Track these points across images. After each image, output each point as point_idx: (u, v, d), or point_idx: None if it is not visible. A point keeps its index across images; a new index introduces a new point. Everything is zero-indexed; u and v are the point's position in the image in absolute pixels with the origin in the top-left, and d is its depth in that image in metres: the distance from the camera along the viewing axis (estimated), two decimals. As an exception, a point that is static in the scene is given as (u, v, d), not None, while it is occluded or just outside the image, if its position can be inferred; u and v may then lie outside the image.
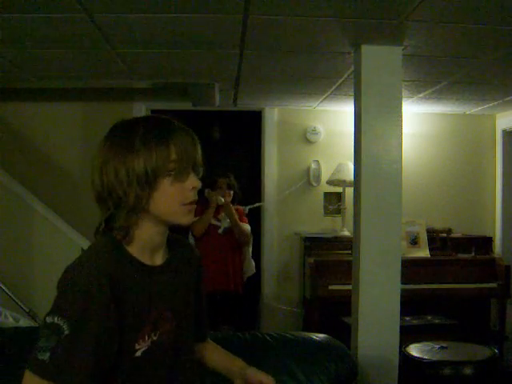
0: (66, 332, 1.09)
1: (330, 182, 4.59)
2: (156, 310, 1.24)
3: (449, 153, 4.85)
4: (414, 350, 2.87)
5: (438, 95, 4.02)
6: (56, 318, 1.10)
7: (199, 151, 1.27)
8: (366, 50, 2.77)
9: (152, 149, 1.18)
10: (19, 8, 2.27)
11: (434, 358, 2.76)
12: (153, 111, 4.67)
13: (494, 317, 4.36)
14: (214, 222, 3.84)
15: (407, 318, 3.61)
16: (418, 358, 2.78)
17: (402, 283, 2.84)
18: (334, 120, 4.73)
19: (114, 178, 1.18)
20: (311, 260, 4.12)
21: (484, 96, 4.08)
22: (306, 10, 2.31)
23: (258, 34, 2.64)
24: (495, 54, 2.91)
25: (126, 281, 1.19)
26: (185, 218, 1.26)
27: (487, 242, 4.58)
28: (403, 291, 2.87)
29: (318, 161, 4.74)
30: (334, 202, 4.74)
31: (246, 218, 3.93)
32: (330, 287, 3.99)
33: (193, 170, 1.25)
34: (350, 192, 4.24)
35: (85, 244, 3.73)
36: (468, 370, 2.66)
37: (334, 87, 3.84)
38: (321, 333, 2.16)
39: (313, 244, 4.41)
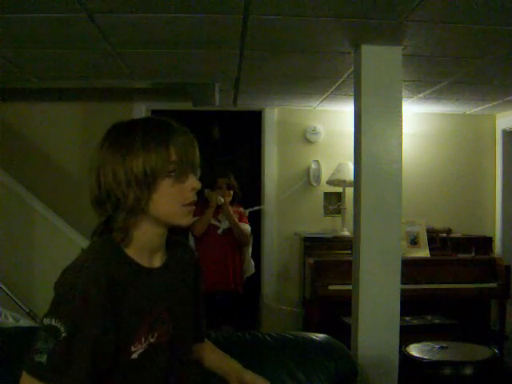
0: (64, 334, 1.08)
1: (329, 182, 4.59)
2: (154, 312, 1.24)
3: (449, 153, 4.85)
4: (414, 350, 2.87)
5: (438, 95, 4.02)
6: (53, 320, 1.10)
7: (197, 152, 1.27)
8: (366, 49, 2.77)
9: (151, 150, 1.18)
10: (19, 8, 2.27)
11: (434, 358, 2.75)
12: (153, 111, 4.67)
13: (493, 317, 4.36)
14: (213, 222, 3.83)
15: (407, 318, 3.61)
16: (418, 357, 2.78)
17: (402, 283, 2.84)
18: (334, 120, 4.73)
19: (113, 179, 1.18)
20: (311, 260, 4.11)
21: (484, 96, 4.08)
22: (306, 10, 2.31)
23: (258, 33, 2.64)
24: (495, 53, 2.90)
25: (124, 283, 1.18)
26: (184, 219, 1.26)
27: (487, 242, 4.58)
28: (403, 291, 2.86)
29: (317, 161, 4.74)
30: (333, 202, 4.75)
31: (246, 218, 3.93)
32: (330, 287, 3.99)
33: (191, 170, 1.25)
34: (350, 192, 4.24)
35: (85, 244, 3.71)
36: (468, 370, 2.65)
37: (334, 87, 3.84)
38: (321, 333, 2.15)
39: (313, 244, 4.41)
